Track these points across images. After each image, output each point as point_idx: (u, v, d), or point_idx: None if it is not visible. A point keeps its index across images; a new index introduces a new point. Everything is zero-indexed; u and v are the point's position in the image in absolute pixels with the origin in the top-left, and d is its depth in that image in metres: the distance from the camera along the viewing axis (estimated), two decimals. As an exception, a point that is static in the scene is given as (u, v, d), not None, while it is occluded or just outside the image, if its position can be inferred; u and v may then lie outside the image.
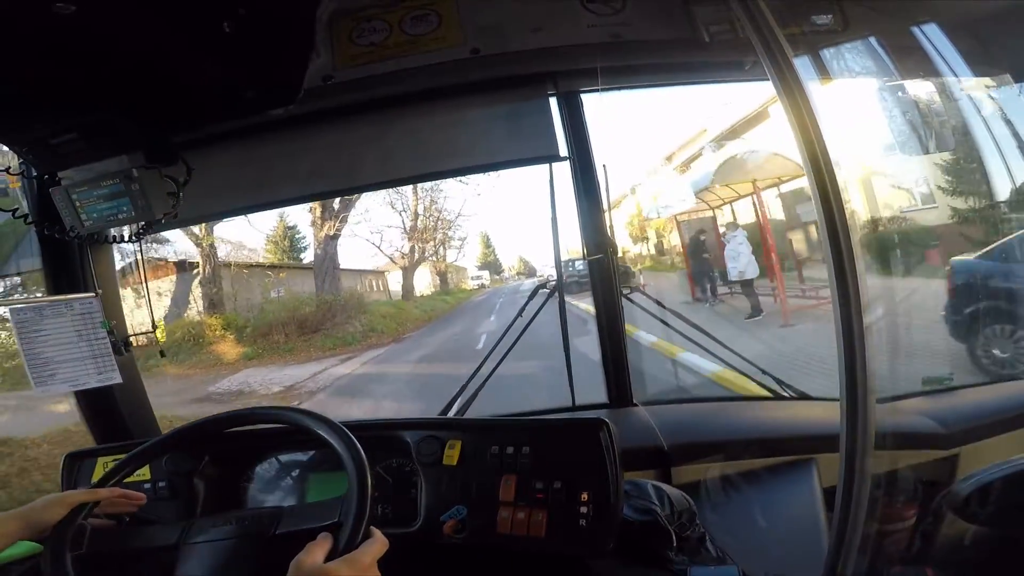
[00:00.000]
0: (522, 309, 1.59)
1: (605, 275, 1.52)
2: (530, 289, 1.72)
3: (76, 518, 0.85)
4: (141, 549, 0.87)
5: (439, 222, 16.89)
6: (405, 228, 16.00)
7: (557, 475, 0.95)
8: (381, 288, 18.54)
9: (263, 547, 0.83)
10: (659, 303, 1.66)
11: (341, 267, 13.62)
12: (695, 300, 8.65)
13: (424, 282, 19.36)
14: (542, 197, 1.51)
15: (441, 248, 18.61)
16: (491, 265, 27.13)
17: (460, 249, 19.77)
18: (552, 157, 1.43)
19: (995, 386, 1.53)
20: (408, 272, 16.33)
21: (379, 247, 16.29)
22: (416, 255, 16.77)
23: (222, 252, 12.99)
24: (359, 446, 0.85)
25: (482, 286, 24.24)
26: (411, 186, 13.67)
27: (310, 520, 0.85)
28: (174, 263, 12.58)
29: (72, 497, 0.87)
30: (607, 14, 1.28)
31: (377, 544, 0.76)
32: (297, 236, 16.99)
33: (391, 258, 16.73)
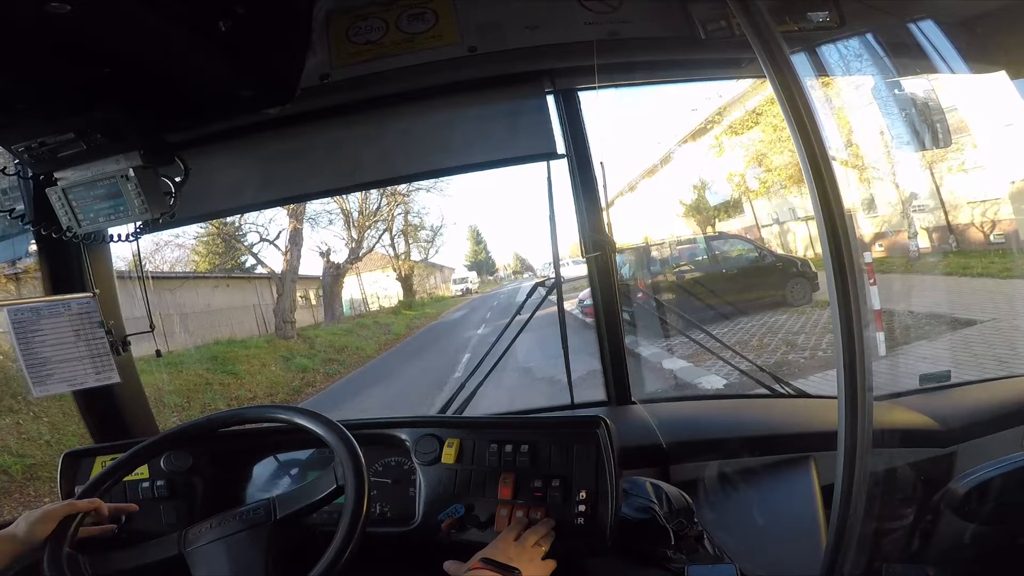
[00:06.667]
0: (520, 307, 1.59)
1: (604, 273, 1.52)
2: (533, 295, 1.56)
3: (67, 529, 0.86)
4: (142, 567, 0.87)
5: (385, 199, 11.98)
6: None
7: (555, 473, 0.95)
8: (313, 301, 12.30)
9: (269, 534, 0.84)
10: (658, 301, 1.65)
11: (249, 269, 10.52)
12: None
13: (385, 289, 14.47)
14: (538, 190, 1.49)
15: (400, 241, 13.52)
16: (482, 264, 22.61)
17: (432, 243, 14.82)
18: (550, 155, 1.43)
19: (992, 383, 1.53)
20: (285, 282, 9.73)
21: (251, 251, 10.94)
22: (348, 253, 11.56)
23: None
24: (353, 440, 0.85)
25: (467, 291, 18.65)
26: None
27: (306, 498, 0.87)
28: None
29: (55, 512, 0.87)
30: (604, 11, 1.28)
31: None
32: (239, 234, 11.59)
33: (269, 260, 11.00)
